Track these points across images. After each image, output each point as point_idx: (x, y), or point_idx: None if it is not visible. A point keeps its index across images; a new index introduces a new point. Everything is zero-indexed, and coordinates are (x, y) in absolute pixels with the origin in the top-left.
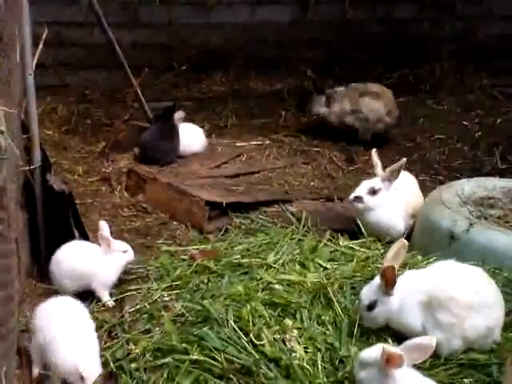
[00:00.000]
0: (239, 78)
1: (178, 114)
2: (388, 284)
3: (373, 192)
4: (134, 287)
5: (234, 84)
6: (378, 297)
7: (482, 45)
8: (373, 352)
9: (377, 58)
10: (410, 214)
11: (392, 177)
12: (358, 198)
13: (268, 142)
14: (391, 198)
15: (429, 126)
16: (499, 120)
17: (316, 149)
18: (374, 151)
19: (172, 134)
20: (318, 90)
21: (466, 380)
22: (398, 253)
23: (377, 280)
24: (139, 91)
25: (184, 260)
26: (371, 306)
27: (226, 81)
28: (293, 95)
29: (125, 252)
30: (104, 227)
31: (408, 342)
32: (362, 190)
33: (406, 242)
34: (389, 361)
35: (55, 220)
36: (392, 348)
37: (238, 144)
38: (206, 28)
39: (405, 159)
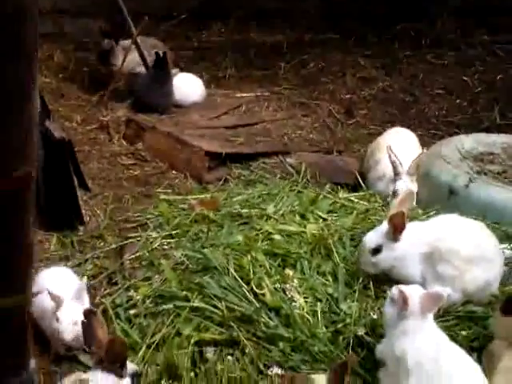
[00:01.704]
0: (239, 29)
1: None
2: (396, 229)
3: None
4: (133, 235)
5: (234, 35)
6: (384, 242)
7: (483, 0)
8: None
9: (377, 11)
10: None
11: (415, 170)
12: None
13: (267, 93)
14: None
15: (428, 80)
16: (499, 76)
17: (315, 101)
18: (389, 147)
19: (164, 80)
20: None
21: (463, 332)
22: (405, 201)
23: (383, 226)
24: (138, 40)
25: (183, 209)
26: (377, 250)
27: (225, 31)
28: (292, 47)
29: None
30: None
31: (424, 292)
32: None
33: (413, 190)
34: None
35: (54, 169)
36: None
37: (237, 95)
38: None
39: (423, 152)
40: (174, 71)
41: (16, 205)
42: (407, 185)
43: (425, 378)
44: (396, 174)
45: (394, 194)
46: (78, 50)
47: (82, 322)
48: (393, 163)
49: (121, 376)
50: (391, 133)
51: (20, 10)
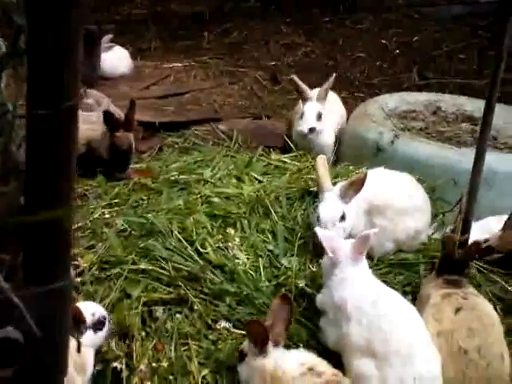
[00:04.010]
0: (160, 1)
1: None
2: (359, 189)
3: (319, 117)
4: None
5: (155, 6)
6: (343, 207)
7: None
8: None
9: None
10: (336, 131)
11: (325, 95)
12: (312, 129)
13: (193, 63)
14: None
15: (349, 45)
16: (416, 38)
17: (241, 69)
18: (294, 77)
19: (91, 53)
20: None
21: (396, 278)
22: (323, 165)
23: (331, 195)
24: None
25: (121, 179)
26: (343, 217)
27: (146, 3)
28: (213, 17)
29: None
30: None
31: (354, 239)
32: (311, 119)
33: (324, 156)
34: None
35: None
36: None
37: (164, 66)
38: None
39: (334, 75)
40: (109, 43)
41: (62, 131)
42: (315, 105)
43: (365, 321)
44: (305, 98)
45: (302, 115)
46: None
47: None
48: (299, 87)
49: (79, 334)
50: None
51: None
